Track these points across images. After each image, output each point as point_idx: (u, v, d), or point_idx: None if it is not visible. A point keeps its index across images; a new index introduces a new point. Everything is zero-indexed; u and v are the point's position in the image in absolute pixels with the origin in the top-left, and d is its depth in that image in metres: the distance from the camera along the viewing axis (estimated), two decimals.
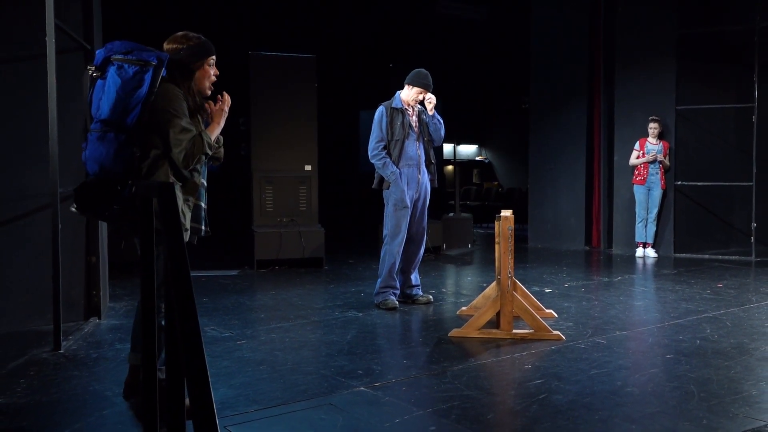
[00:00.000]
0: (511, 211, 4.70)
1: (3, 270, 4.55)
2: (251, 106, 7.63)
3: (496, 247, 4.77)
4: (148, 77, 2.89)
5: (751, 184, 8.48)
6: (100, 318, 4.95)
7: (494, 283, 5.01)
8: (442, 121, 5.58)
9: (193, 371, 1.30)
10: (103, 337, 4.52)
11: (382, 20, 11.75)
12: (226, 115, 3.23)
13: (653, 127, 8.58)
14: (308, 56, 7.85)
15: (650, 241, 8.73)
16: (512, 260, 4.51)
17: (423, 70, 5.46)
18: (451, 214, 9.98)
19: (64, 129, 4.39)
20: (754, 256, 8.35)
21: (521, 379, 3.63)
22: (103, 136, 2.93)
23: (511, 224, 4.53)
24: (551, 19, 10.06)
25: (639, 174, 8.69)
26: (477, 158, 19.35)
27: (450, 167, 14.51)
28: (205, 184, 3.25)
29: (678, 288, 6.34)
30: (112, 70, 2.91)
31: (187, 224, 3.12)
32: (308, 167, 7.79)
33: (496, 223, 4.75)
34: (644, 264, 8.15)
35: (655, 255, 8.69)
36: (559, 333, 4.43)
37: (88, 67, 3.02)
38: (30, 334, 4.43)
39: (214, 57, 3.19)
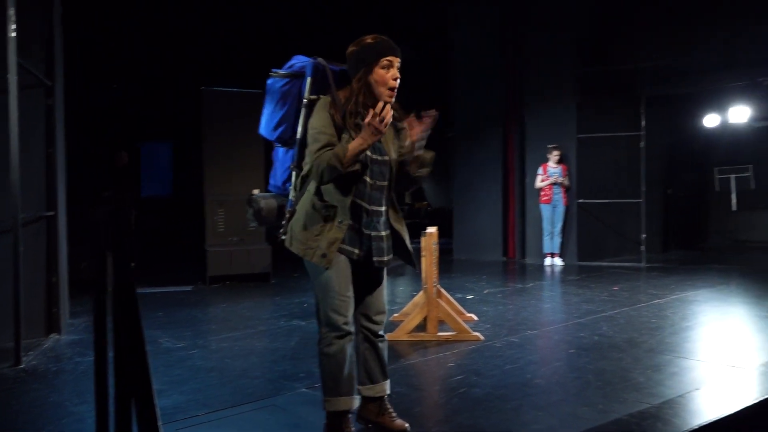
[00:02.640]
0: (435, 228, 4.79)
1: None
2: (203, 136, 7.55)
3: (423, 260, 4.84)
4: (278, 87, 2.52)
5: (640, 201, 8.86)
6: (60, 333, 4.77)
7: (422, 291, 5.07)
8: None
9: (138, 387, 1.29)
10: (62, 351, 4.36)
11: (322, 57, 11.80)
12: (376, 131, 2.35)
13: (554, 155, 8.91)
14: (256, 92, 7.78)
15: (557, 251, 9.00)
16: (437, 271, 4.59)
17: None
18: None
19: (25, 159, 4.26)
20: (644, 262, 8.70)
21: (445, 376, 3.68)
22: (275, 151, 2.65)
23: (435, 239, 4.61)
24: (469, 58, 10.32)
25: (545, 194, 8.97)
26: None
27: None
28: (380, 209, 2.60)
29: (580, 291, 6.54)
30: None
31: (323, 245, 2.49)
32: (256, 191, 7.69)
33: (422, 238, 4.82)
34: (553, 271, 8.37)
35: (562, 263, 8.95)
36: (478, 334, 4.51)
37: None
38: None
39: (390, 57, 2.47)
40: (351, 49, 2.53)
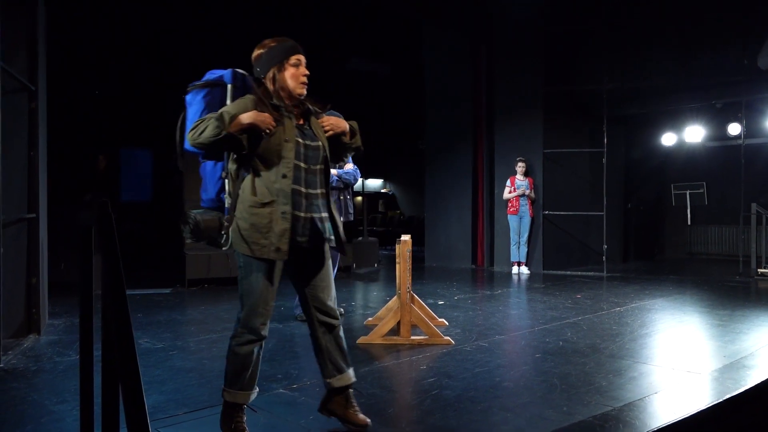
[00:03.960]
0: (409, 236, 4.79)
1: None
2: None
3: (397, 266, 4.84)
4: (200, 98, 2.48)
5: (602, 213, 9.00)
6: (39, 334, 4.66)
7: (396, 296, 5.07)
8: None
9: (127, 378, 1.27)
10: (42, 351, 4.25)
11: None
12: (258, 122, 2.39)
13: (520, 166, 9.02)
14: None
15: (523, 260, 9.09)
16: (410, 277, 4.59)
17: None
18: (360, 239, 10.05)
19: (7, 161, 4.16)
20: (605, 272, 8.83)
21: (417, 378, 3.68)
22: (203, 166, 2.58)
23: (409, 247, 4.62)
24: (441, 75, 10.42)
25: (512, 206, 9.07)
26: (382, 190, 19.60)
27: (359, 198, 14.63)
28: (316, 192, 2.57)
29: (546, 299, 6.61)
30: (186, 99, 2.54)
31: (274, 240, 2.46)
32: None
33: (397, 246, 4.82)
34: (519, 279, 8.45)
35: (528, 272, 9.03)
36: (449, 338, 4.52)
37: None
38: None
39: (298, 56, 2.54)
40: (258, 51, 2.56)
